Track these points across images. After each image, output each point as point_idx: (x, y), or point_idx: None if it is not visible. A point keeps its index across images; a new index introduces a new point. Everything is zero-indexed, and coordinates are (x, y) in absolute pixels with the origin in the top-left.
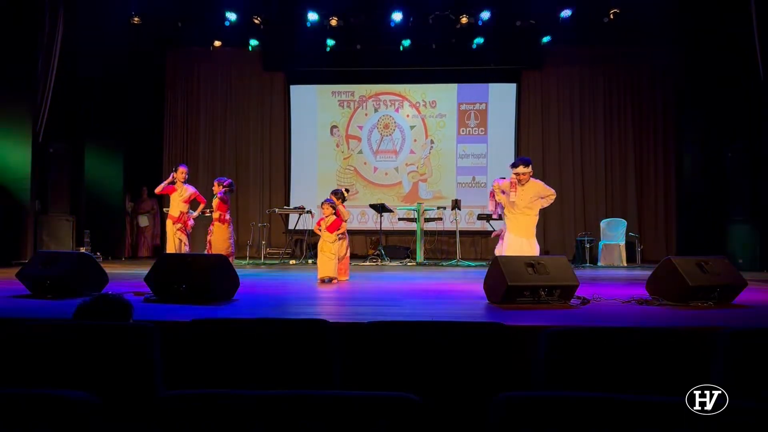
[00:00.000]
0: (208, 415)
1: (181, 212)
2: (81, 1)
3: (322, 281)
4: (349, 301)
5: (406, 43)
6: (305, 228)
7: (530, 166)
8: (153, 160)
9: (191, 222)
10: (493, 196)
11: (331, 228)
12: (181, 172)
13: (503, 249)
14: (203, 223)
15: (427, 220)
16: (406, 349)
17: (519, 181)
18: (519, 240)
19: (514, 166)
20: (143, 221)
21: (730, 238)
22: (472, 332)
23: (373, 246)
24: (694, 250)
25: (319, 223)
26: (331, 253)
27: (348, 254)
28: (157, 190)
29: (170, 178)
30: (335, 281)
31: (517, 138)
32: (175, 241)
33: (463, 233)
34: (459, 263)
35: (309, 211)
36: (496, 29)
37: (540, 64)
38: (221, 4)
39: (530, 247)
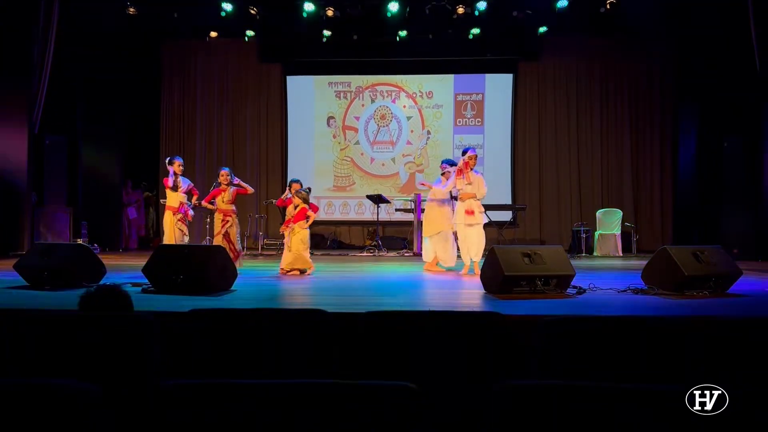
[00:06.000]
0: (209, 405)
1: (181, 203)
2: None
3: (284, 272)
4: (347, 291)
5: (403, 33)
6: None
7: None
8: (150, 151)
9: (191, 212)
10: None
11: (297, 219)
12: (178, 165)
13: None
14: (202, 215)
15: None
16: (403, 338)
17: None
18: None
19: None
20: (132, 213)
21: (726, 228)
22: (470, 322)
23: (371, 237)
24: (689, 240)
25: (287, 223)
26: (300, 242)
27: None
28: (168, 184)
29: (172, 171)
30: (308, 272)
31: (514, 128)
32: (176, 232)
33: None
34: (457, 254)
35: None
36: (493, 20)
37: (537, 55)
38: None
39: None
